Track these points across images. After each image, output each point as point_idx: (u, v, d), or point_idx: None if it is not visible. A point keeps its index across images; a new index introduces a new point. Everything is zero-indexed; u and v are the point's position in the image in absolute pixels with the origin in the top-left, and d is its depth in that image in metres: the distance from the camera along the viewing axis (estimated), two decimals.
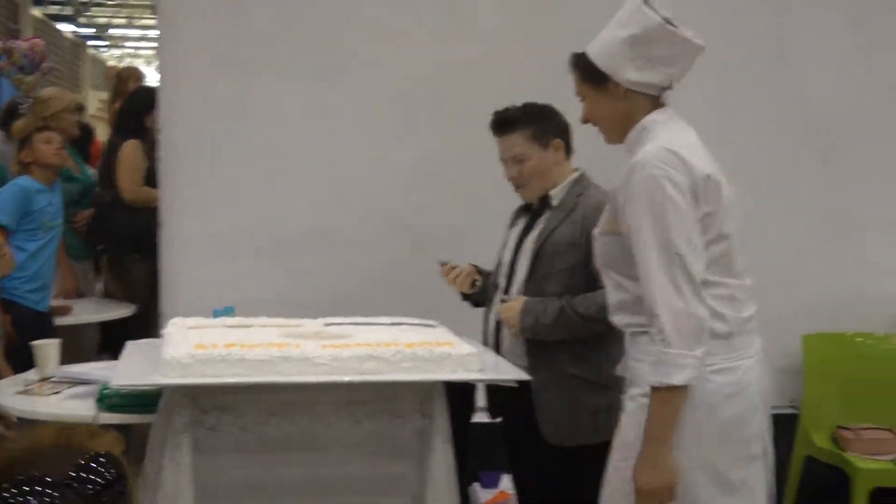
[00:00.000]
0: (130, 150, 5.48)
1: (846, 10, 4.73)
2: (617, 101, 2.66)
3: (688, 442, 2.51)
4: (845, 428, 4.37)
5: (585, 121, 2.77)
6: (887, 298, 4.72)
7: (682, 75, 2.68)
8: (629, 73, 2.63)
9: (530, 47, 4.47)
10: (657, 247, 2.48)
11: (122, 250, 5.49)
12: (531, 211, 3.49)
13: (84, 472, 1.41)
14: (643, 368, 2.55)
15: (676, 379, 2.45)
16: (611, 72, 2.64)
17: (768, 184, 4.58)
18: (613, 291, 2.70)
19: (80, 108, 5.93)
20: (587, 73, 2.69)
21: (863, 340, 4.68)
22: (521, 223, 3.51)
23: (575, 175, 3.44)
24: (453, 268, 3.63)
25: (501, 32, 4.55)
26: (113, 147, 5.64)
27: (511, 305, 3.35)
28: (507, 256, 3.49)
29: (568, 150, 3.46)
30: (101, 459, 1.43)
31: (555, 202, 3.40)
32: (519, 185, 3.46)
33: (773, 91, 4.67)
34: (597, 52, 2.67)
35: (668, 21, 2.61)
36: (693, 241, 2.49)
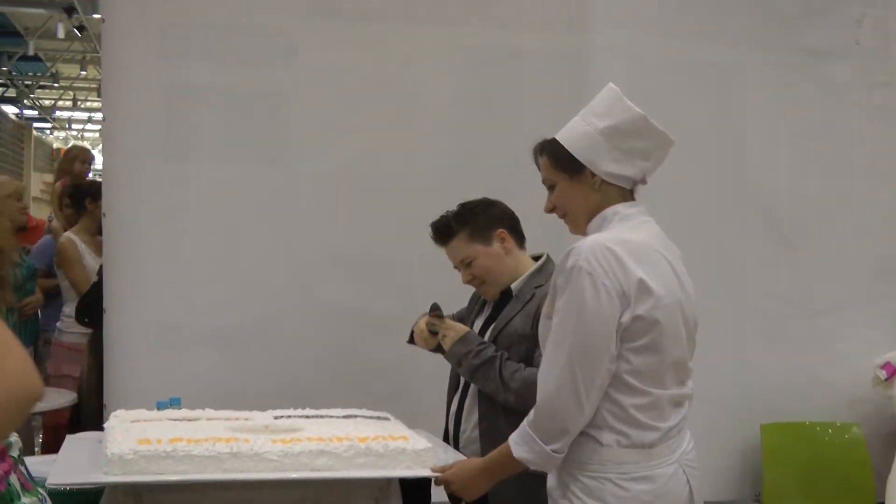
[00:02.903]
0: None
1: (796, 99, 4.76)
2: (590, 192, 2.62)
3: None
4: None
5: (551, 209, 2.71)
6: (845, 385, 4.67)
7: (654, 169, 2.66)
8: (606, 165, 2.58)
9: (476, 138, 4.44)
10: (570, 339, 2.48)
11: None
12: (497, 300, 3.43)
13: None
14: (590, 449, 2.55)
15: (524, 456, 2.58)
16: (588, 162, 2.59)
17: (727, 272, 4.55)
18: None
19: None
20: (561, 161, 2.63)
21: (821, 430, 4.62)
22: (488, 311, 3.46)
23: (538, 263, 3.39)
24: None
25: (448, 122, 4.49)
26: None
27: (457, 326, 3.34)
28: None
29: (517, 236, 3.41)
30: None
31: (514, 293, 3.35)
32: (477, 285, 3.43)
33: (729, 180, 4.68)
34: (572, 140, 2.61)
35: None
36: (610, 347, 2.47)
